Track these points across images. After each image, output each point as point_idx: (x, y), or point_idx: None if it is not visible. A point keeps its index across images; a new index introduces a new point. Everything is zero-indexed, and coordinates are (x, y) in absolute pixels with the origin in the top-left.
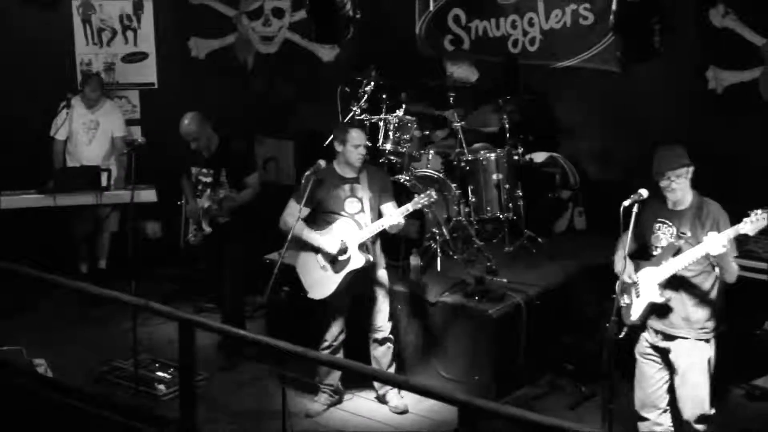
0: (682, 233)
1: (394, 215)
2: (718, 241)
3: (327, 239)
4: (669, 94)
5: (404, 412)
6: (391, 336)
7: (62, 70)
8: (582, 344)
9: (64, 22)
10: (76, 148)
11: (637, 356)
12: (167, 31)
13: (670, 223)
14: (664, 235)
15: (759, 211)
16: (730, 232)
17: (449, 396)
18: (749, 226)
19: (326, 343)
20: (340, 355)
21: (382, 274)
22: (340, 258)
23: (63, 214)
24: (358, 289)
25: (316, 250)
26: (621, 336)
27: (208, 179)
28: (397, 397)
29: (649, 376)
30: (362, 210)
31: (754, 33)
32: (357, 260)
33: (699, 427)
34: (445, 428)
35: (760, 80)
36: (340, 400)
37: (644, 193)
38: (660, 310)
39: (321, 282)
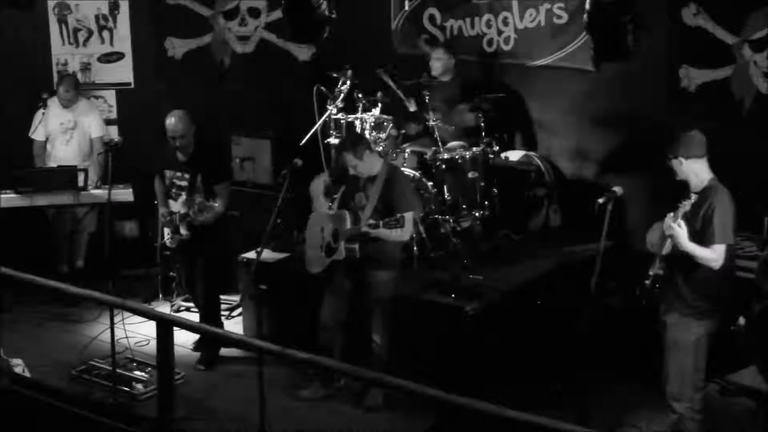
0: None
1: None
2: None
3: (330, 219)
4: (642, 92)
5: (379, 409)
6: (376, 340)
7: (38, 70)
8: (558, 340)
9: (39, 22)
10: (54, 148)
11: None
12: (143, 31)
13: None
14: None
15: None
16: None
17: (426, 393)
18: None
19: (322, 323)
20: (339, 337)
21: (378, 279)
22: (333, 245)
23: (42, 214)
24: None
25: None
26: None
27: (183, 183)
28: (372, 396)
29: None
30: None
31: (726, 31)
32: (340, 253)
33: (675, 404)
34: (420, 425)
35: (731, 78)
36: (339, 388)
37: (618, 190)
38: (663, 284)
39: (312, 260)
